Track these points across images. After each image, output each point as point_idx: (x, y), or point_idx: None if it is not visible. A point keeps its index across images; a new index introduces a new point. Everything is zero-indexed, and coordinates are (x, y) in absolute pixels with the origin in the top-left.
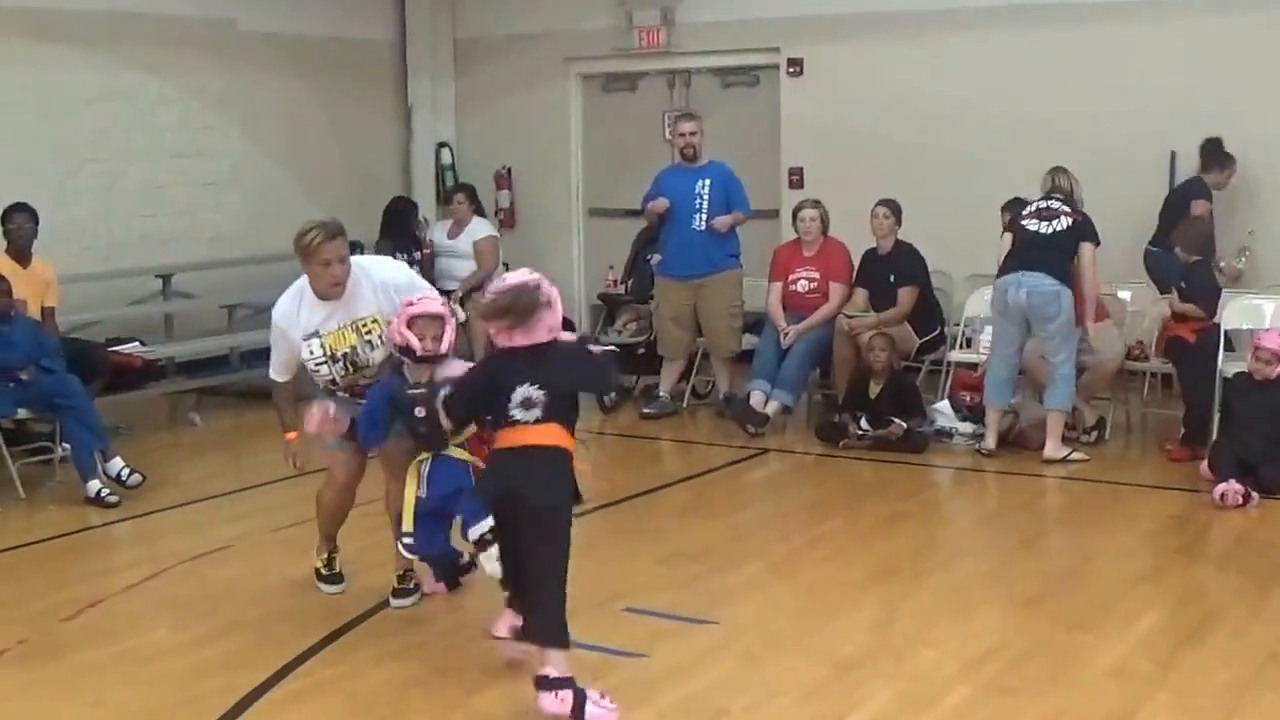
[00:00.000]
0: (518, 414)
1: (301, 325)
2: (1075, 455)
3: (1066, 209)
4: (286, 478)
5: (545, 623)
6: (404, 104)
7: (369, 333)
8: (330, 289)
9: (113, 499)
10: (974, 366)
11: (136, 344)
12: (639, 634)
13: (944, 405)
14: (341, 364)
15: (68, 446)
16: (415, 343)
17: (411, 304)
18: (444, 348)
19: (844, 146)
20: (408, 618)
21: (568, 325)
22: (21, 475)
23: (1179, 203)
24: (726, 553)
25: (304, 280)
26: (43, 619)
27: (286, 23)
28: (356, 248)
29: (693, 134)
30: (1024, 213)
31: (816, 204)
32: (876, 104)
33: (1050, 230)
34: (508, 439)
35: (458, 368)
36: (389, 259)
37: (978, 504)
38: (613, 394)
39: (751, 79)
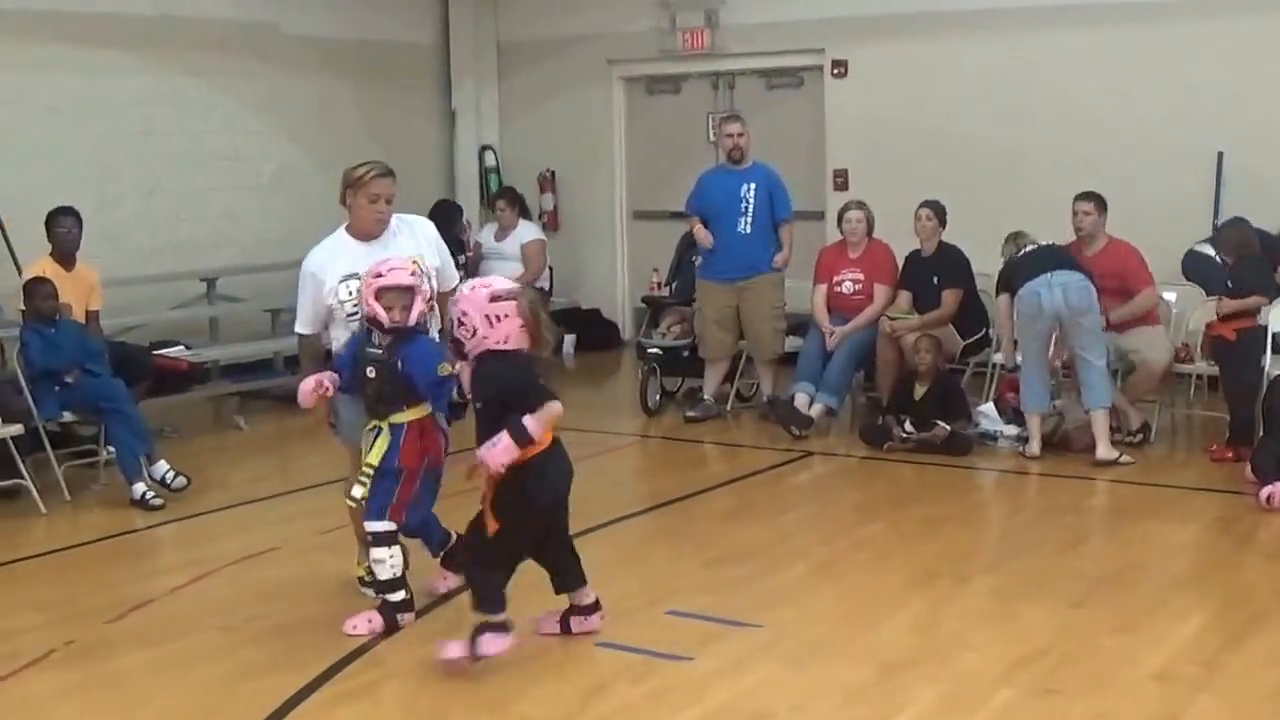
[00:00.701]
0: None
1: (339, 269)
2: (1123, 458)
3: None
4: (332, 480)
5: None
6: (448, 107)
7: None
8: (375, 225)
9: (157, 502)
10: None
11: (181, 347)
12: (684, 637)
13: (988, 408)
14: None
15: (113, 449)
16: (382, 314)
17: (380, 275)
18: (411, 319)
19: (889, 147)
20: (453, 620)
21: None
22: (67, 478)
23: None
24: (770, 556)
25: (338, 230)
26: (88, 621)
27: (329, 26)
28: None
29: (739, 135)
30: (1013, 258)
31: (861, 205)
32: (922, 104)
33: (1048, 244)
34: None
35: (424, 343)
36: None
37: (1022, 507)
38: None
39: (796, 80)
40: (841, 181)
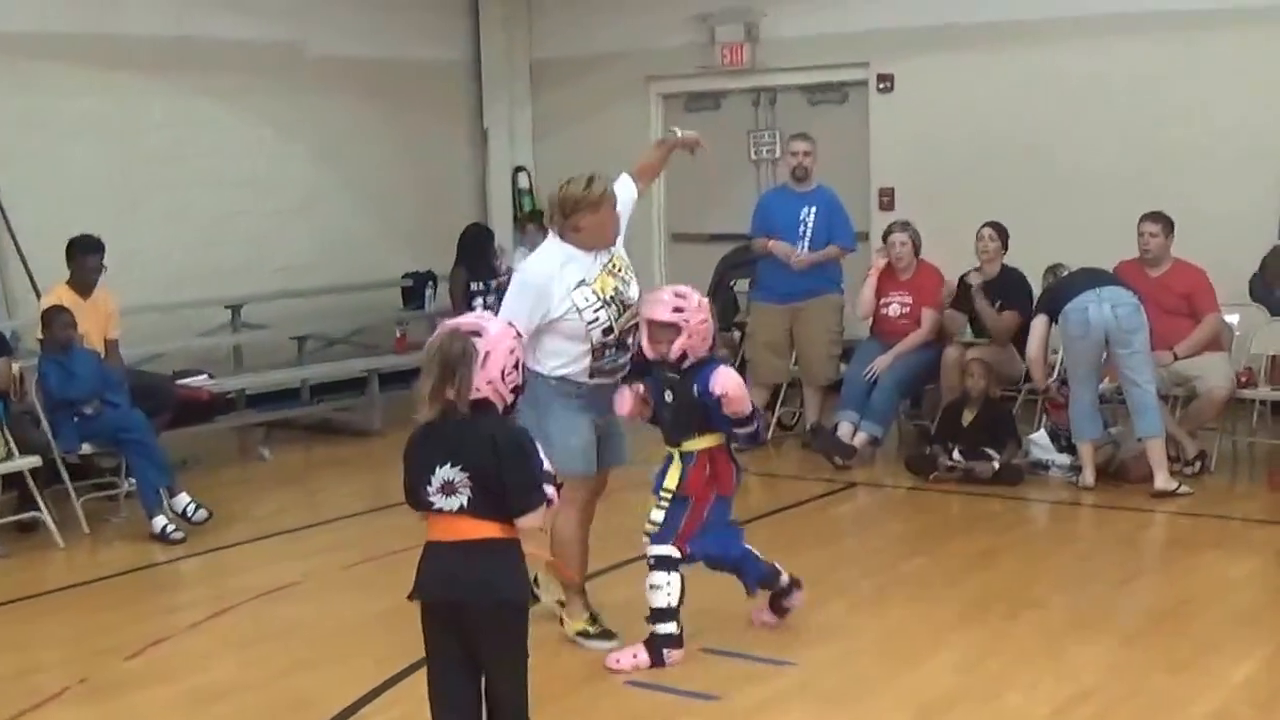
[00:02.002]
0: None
1: (567, 278)
2: (1182, 489)
3: None
4: (357, 513)
5: None
6: (479, 127)
7: (619, 270)
8: (613, 237)
9: (178, 535)
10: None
11: (204, 376)
12: (716, 675)
13: (1041, 436)
14: (614, 307)
15: (133, 481)
16: (647, 346)
17: (642, 311)
18: (673, 354)
19: (937, 165)
20: None
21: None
22: (86, 511)
23: None
24: (810, 591)
25: (549, 243)
26: (105, 657)
27: (356, 46)
28: (429, 277)
29: (806, 154)
30: (1057, 277)
31: (906, 226)
32: (970, 120)
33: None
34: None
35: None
36: None
37: (1074, 539)
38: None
39: (840, 96)
40: (887, 201)
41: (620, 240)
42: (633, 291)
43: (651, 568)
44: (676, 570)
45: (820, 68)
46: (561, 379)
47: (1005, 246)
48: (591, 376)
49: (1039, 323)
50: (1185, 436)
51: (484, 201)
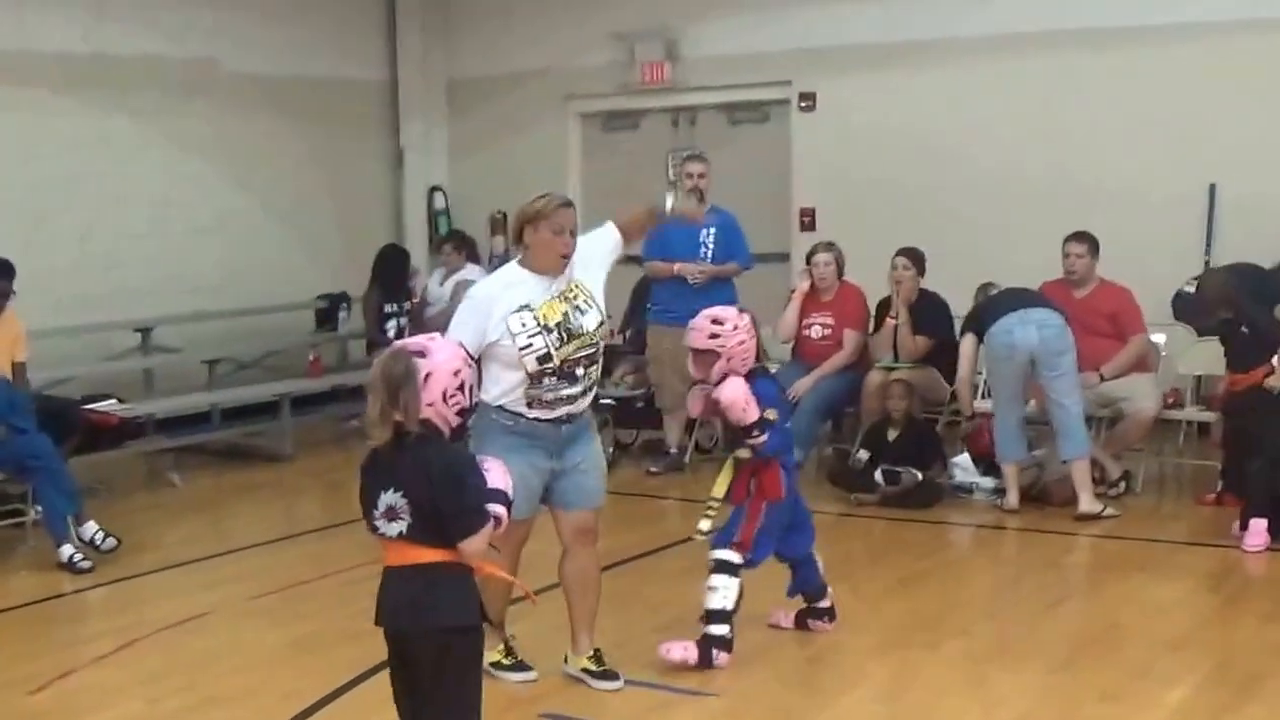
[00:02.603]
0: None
1: (508, 301)
2: (1107, 511)
3: None
4: (267, 541)
5: None
6: (395, 147)
7: (576, 298)
8: (559, 260)
9: (86, 564)
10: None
11: (113, 401)
12: (633, 708)
13: (964, 459)
14: (557, 334)
15: (40, 509)
16: (692, 368)
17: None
18: (713, 377)
19: (859, 186)
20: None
21: None
22: None
23: None
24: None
25: (510, 264)
26: (8, 692)
27: (271, 63)
28: (343, 299)
29: (701, 176)
30: (985, 299)
31: (830, 246)
32: (894, 140)
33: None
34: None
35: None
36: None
37: (998, 564)
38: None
39: (761, 115)
40: (809, 221)
41: (600, 276)
42: (588, 321)
43: (712, 571)
44: (737, 575)
45: (741, 86)
46: (500, 409)
47: (921, 271)
48: (530, 407)
49: (967, 343)
50: (1108, 458)
51: (400, 222)
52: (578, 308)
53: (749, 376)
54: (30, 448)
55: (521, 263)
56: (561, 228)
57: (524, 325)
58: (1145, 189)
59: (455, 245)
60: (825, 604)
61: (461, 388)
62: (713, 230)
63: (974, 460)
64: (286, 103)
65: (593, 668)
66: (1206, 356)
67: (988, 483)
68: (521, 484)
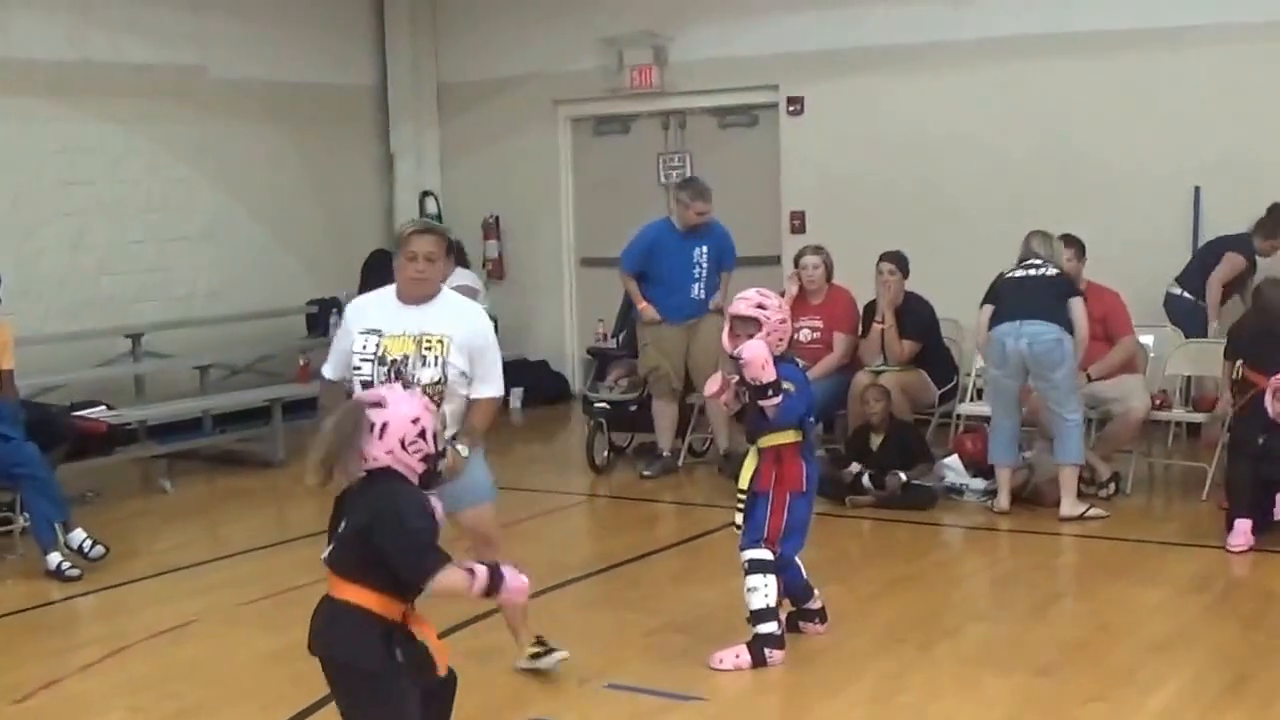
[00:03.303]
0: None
1: (367, 319)
2: (1093, 512)
3: (1046, 264)
4: (258, 547)
5: None
6: (386, 152)
7: (429, 349)
8: (409, 283)
9: (74, 572)
10: (987, 420)
11: (102, 408)
12: (620, 713)
13: (953, 460)
14: (388, 369)
15: (28, 517)
16: (727, 341)
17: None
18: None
19: (848, 188)
20: None
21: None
22: None
23: (1215, 250)
24: (719, 622)
25: (387, 287)
26: None
27: (260, 69)
28: (334, 304)
29: (704, 214)
30: (1003, 275)
31: (819, 249)
32: (882, 143)
33: (1035, 274)
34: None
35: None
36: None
37: (989, 565)
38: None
39: (749, 119)
40: (798, 224)
41: (460, 336)
42: (424, 375)
43: (747, 572)
44: (771, 572)
45: (730, 90)
46: None
47: (906, 274)
48: None
49: (984, 313)
50: (1098, 460)
51: (391, 227)
52: (424, 357)
53: (778, 362)
54: (17, 455)
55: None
56: (414, 254)
57: (364, 347)
58: (1131, 191)
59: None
60: (815, 605)
61: (422, 435)
62: (706, 249)
63: (964, 464)
64: (276, 108)
65: (539, 651)
66: (1194, 358)
67: (978, 484)
68: None
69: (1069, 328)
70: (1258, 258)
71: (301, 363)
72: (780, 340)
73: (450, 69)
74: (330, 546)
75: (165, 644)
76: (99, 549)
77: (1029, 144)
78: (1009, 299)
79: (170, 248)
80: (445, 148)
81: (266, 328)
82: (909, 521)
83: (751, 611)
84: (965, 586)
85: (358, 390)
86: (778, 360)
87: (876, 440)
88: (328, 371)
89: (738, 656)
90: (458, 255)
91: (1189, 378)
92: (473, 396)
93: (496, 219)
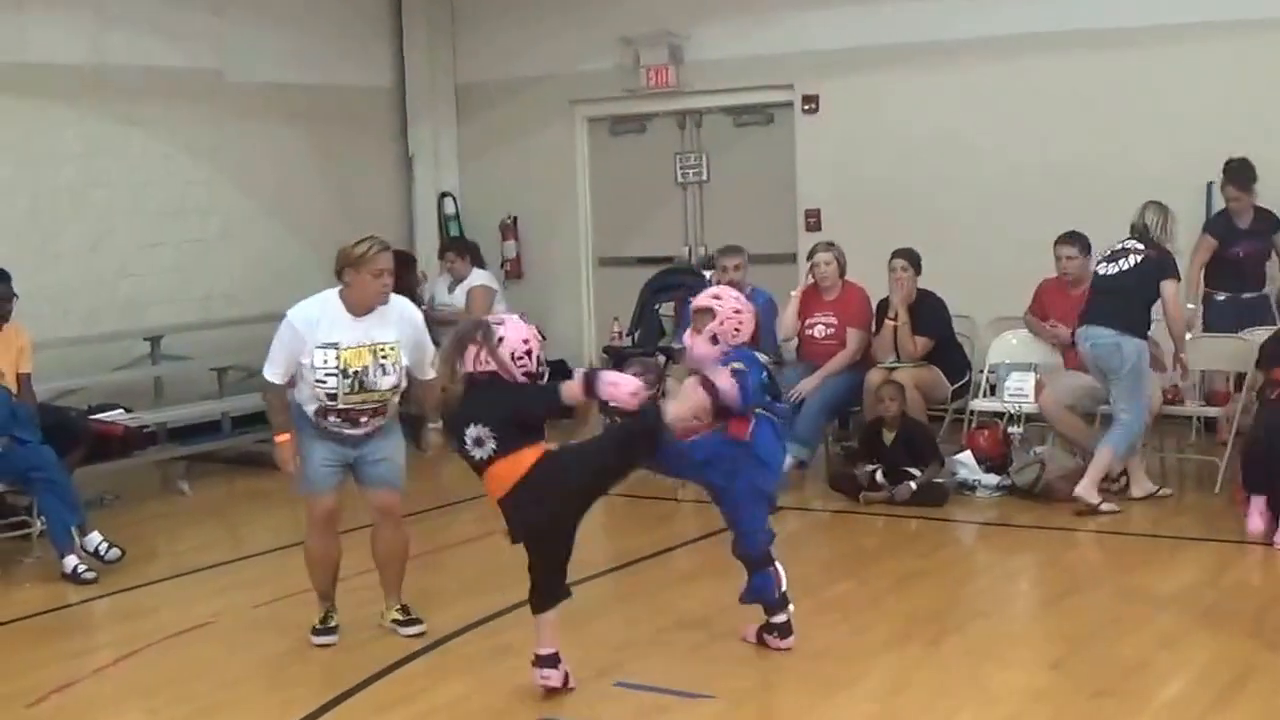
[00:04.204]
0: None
1: (321, 333)
2: (1106, 505)
3: (1140, 247)
4: (274, 548)
5: None
6: (404, 153)
7: (385, 357)
8: (375, 299)
9: (89, 575)
10: (1001, 416)
11: (120, 410)
12: (628, 711)
13: (966, 457)
14: (351, 381)
15: (45, 520)
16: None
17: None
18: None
19: (863, 186)
20: (399, 695)
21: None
22: None
23: None
24: (730, 619)
25: (330, 292)
26: (7, 705)
27: (277, 71)
28: None
29: (737, 269)
30: (1095, 270)
31: (831, 246)
32: (896, 141)
33: (1116, 270)
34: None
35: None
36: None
37: (1000, 561)
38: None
39: (765, 117)
40: (814, 222)
41: (404, 330)
42: (384, 382)
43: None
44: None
45: (745, 89)
46: (302, 412)
47: (919, 270)
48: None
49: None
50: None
51: (410, 228)
52: (382, 366)
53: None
54: (34, 459)
55: (341, 296)
56: (381, 271)
57: (325, 362)
58: (1145, 188)
59: (458, 253)
60: (781, 619)
61: (529, 354)
62: None
63: (976, 460)
64: (294, 110)
65: (400, 618)
66: (1207, 353)
67: (990, 480)
68: (320, 466)
69: (1139, 324)
70: (1231, 207)
71: None
72: (736, 330)
73: (468, 70)
74: (478, 447)
75: (180, 646)
76: (115, 551)
77: (1042, 142)
78: (1090, 300)
79: (189, 250)
80: (463, 148)
81: None
82: (923, 518)
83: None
84: (976, 582)
85: (315, 400)
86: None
87: (889, 436)
88: (273, 376)
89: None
90: (473, 256)
91: (1203, 373)
92: (425, 379)
93: (514, 219)
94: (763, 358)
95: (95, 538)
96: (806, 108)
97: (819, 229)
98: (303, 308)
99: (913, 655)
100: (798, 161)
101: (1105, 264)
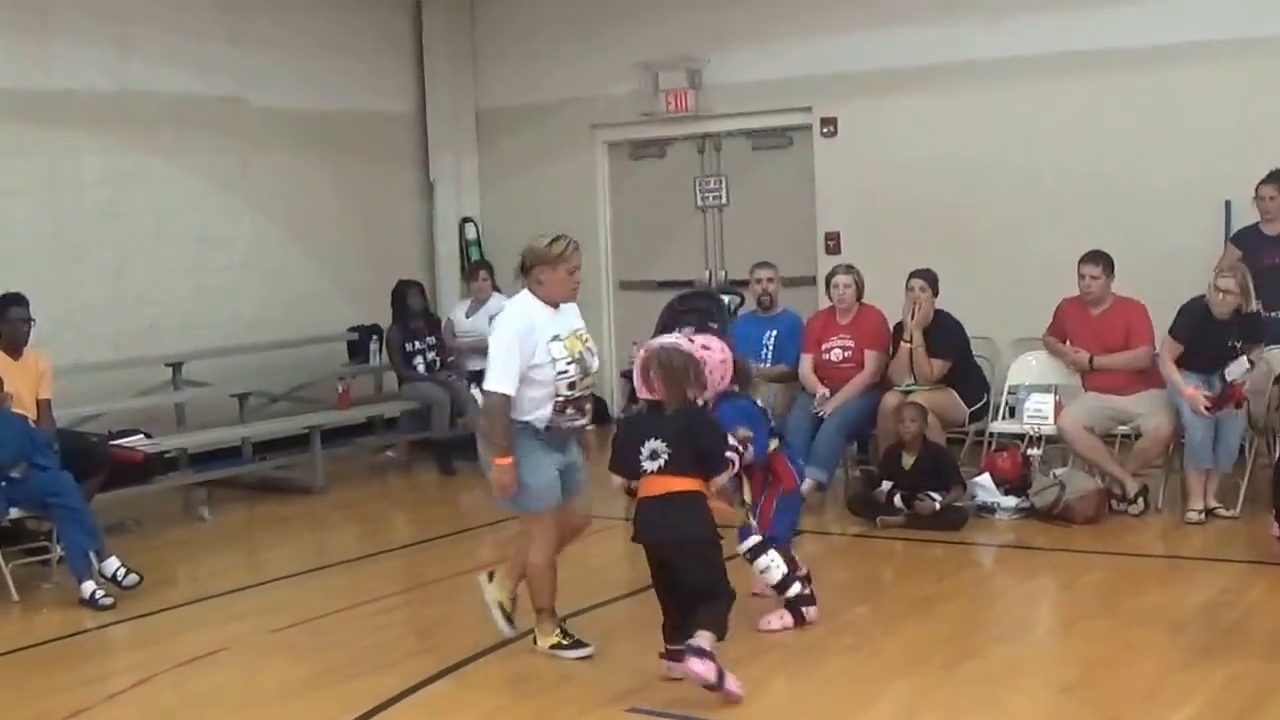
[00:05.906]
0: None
1: (546, 327)
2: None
3: None
4: (293, 574)
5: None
6: (425, 179)
7: (587, 342)
8: (569, 294)
9: (107, 601)
10: (1021, 438)
11: (140, 436)
12: None
13: (985, 479)
14: (578, 367)
15: (63, 546)
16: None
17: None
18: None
19: (882, 209)
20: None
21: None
22: (18, 576)
23: None
24: (745, 644)
25: (523, 294)
26: None
27: (299, 98)
28: (374, 330)
29: (769, 281)
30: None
31: (849, 269)
32: (915, 163)
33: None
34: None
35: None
36: None
37: (1017, 584)
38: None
39: (784, 140)
40: (834, 245)
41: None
42: (594, 364)
43: (751, 560)
44: (770, 548)
45: (764, 113)
46: (525, 424)
47: (936, 291)
48: (548, 429)
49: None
50: (1126, 475)
51: (431, 253)
52: (589, 349)
53: (727, 397)
54: (52, 485)
55: (534, 292)
56: (575, 268)
57: (561, 353)
58: (1163, 209)
59: (490, 271)
60: (795, 590)
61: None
62: (775, 333)
63: (995, 482)
64: (315, 137)
65: (563, 642)
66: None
67: (1010, 502)
68: (552, 479)
69: None
70: (1267, 206)
71: (341, 389)
72: (722, 379)
73: (488, 95)
74: (651, 460)
75: (194, 672)
76: (133, 577)
77: (1061, 162)
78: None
79: (211, 277)
80: (483, 173)
81: (306, 355)
82: (941, 541)
83: (774, 586)
84: (993, 605)
85: (551, 398)
86: (728, 395)
87: (909, 460)
88: (508, 385)
89: (781, 618)
90: (493, 279)
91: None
92: None
93: None
94: (759, 401)
95: (113, 563)
96: (825, 130)
97: (839, 251)
98: (514, 313)
99: (927, 681)
100: (817, 184)
101: None
